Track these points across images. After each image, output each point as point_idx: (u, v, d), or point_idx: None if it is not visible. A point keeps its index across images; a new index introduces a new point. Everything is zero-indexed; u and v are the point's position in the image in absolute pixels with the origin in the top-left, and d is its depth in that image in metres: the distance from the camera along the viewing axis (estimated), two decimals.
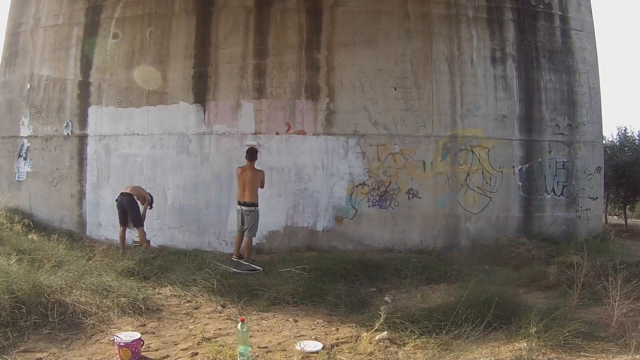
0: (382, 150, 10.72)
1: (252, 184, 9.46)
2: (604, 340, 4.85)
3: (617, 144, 18.04)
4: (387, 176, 10.69)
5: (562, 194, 11.40)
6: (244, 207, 9.45)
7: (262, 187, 9.68)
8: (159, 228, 10.69)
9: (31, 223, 10.57)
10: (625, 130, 18.25)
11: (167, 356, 4.70)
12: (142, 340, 4.74)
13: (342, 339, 5.18)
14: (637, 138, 17.96)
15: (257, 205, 9.55)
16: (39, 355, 4.65)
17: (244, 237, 9.52)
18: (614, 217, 21.08)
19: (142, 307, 5.87)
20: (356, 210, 10.65)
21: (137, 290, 6.20)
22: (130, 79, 11.14)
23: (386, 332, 5.16)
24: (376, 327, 5.27)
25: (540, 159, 11.28)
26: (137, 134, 10.94)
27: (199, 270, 7.39)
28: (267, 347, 4.90)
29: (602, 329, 5.12)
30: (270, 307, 6.25)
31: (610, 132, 21.83)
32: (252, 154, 9.66)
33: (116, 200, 9.57)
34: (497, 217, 10.96)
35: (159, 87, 11.00)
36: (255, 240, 10.33)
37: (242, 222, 9.50)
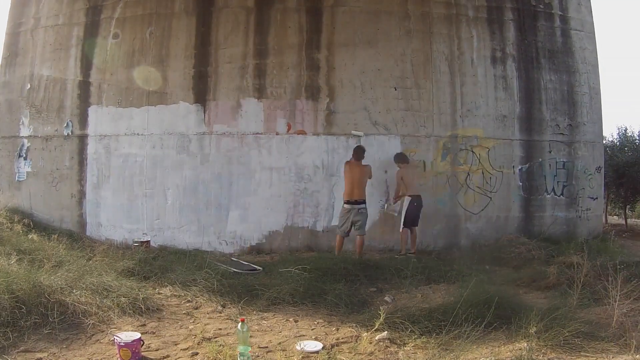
0: (383, 150, 10.72)
1: (361, 181, 9.53)
2: (604, 340, 4.86)
3: (617, 144, 18.03)
4: (388, 176, 10.68)
5: (562, 194, 11.40)
6: (355, 206, 9.47)
7: (369, 178, 9.81)
8: (159, 228, 10.69)
9: (31, 223, 10.55)
10: (625, 130, 18.25)
11: (167, 356, 4.70)
12: (142, 340, 4.74)
13: (342, 338, 5.17)
14: (637, 138, 17.94)
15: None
16: (39, 355, 4.65)
17: (357, 237, 9.50)
18: (614, 217, 21.08)
19: (142, 307, 5.86)
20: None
21: (137, 290, 6.19)
22: (130, 79, 11.11)
23: (386, 332, 5.15)
24: (376, 327, 5.26)
25: (540, 159, 11.29)
26: (138, 134, 10.93)
27: (199, 270, 7.39)
28: (267, 347, 4.90)
29: (602, 329, 5.12)
30: (270, 307, 6.25)
31: (610, 132, 21.84)
32: (358, 153, 9.75)
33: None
34: (497, 217, 10.97)
35: (159, 87, 10.99)
36: (255, 240, 10.40)
37: (352, 222, 9.48)
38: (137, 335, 4.73)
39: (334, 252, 9.58)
